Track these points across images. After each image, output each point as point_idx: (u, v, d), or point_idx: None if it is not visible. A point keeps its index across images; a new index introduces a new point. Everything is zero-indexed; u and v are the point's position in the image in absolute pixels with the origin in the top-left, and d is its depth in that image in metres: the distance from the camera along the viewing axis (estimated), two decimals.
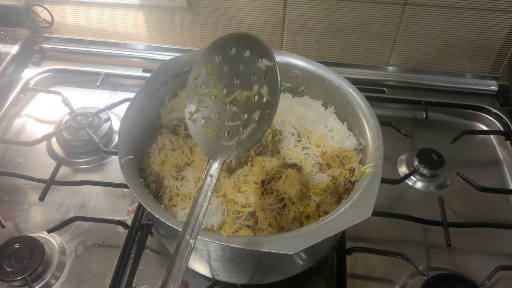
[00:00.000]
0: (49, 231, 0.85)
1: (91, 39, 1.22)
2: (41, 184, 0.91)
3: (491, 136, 1.09)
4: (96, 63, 1.21)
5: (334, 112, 0.86)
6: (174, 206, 0.73)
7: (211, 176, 0.57)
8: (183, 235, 0.54)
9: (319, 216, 0.72)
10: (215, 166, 0.59)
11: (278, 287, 0.77)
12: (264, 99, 0.60)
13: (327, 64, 0.87)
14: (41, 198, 0.89)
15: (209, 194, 0.56)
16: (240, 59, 0.63)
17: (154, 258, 0.85)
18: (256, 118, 0.60)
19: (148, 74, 0.85)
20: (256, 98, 0.61)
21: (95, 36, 1.21)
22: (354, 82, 0.84)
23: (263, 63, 0.61)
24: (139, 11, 1.15)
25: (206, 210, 0.55)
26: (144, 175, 0.76)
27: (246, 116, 0.62)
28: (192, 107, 0.64)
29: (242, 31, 0.62)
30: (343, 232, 0.86)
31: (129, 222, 0.88)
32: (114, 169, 0.99)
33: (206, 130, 0.62)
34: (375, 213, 0.66)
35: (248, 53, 0.62)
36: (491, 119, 1.12)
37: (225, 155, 0.60)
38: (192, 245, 0.53)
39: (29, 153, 1.02)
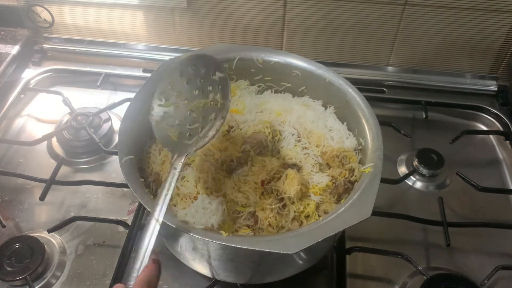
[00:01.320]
0: (49, 231, 0.85)
1: (91, 39, 1.22)
2: (42, 184, 0.91)
3: (491, 136, 1.09)
4: (97, 63, 1.21)
5: (334, 112, 0.86)
6: (174, 206, 0.73)
7: (175, 169, 0.67)
8: (150, 218, 0.62)
9: (319, 216, 0.72)
10: (178, 160, 0.68)
11: (278, 287, 0.77)
12: (219, 104, 0.71)
13: (327, 64, 0.87)
14: (42, 198, 0.89)
15: (173, 184, 0.65)
16: (198, 75, 0.74)
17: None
18: (212, 119, 0.70)
19: (148, 74, 0.85)
20: (212, 103, 0.71)
21: (95, 36, 1.21)
22: (354, 82, 0.84)
23: (217, 75, 0.72)
24: (139, 11, 1.15)
25: (171, 197, 0.64)
26: (144, 175, 0.76)
27: (203, 119, 0.71)
28: (157, 117, 0.73)
29: (198, 52, 0.77)
30: (343, 232, 0.86)
31: (129, 222, 0.88)
32: (114, 169, 1.00)
33: (170, 134, 0.72)
34: (375, 213, 0.66)
35: (204, 69, 0.73)
36: (490, 119, 1.12)
37: (186, 151, 0.69)
38: (159, 225, 0.61)
39: (30, 153, 1.02)
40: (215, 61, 0.73)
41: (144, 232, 0.61)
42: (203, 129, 0.70)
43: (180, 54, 0.89)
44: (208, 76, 0.72)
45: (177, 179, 0.66)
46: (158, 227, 0.61)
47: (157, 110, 0.73)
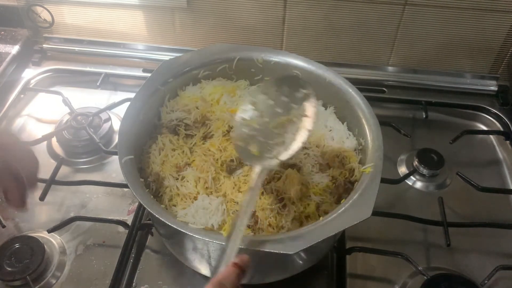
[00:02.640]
0: (49, 231, 0.85)
1: (91, 39, 1.22)
2: (42, 184, 0.91)
3: (491, 136, 1.09)
4: (96, 63, 1.21)
5: (334, 112, 0.86)
6: (174, 206, 0.73)
7: (258, 178, 0.67)
8: (235, 223, 0.61)
9: (319, 216, 0.72)
10: (262, 172, 0.67)
11: (278, 287, 0.77)
12: (302, 118, 0.71)
13: (327, 64, 0.87)
14: (42, 198, 0.89)
15: (256, 193, 0.66)
16: (281, 94, 0.74)
17: (154, 258, 0.85)
18: (295, 132, 0.71)
19: (148, 74, 0.85)
20: (294, 119, 0.72)
21: (95, 36, 1.21)
22: (354, 82, 0.84)
23: (301, 92, 0.73)
24: (139, 11, 1.15)
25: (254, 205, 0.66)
26: (144, 175, 0.76)
27: (286, 134, 0.71)
28: (239, 135, 0.73)
29: (285, 74, 0.77)
30: (343, 232, 0.86)
31: (129, 222, 0.88)
32: (114, 169, 0.99)
33: (252, 150, 0.71)
34: (375, 213, 0.66)
35: (287, 88, 0.74)
36: (490, 119, 1.12)
37: (269, 165, 0.69)
38: (243, 231, 0.60)
39: None
40: (300, 79, 0.75)
41: (228, 237, 0.59)
42: (285, 143, 0.70)
43: (180, 54, 0.89)
44: (292, 94, 0.74)
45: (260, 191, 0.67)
46: (242, 234, 0.60)
47: (239, 128, 0.73)
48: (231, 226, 0.61)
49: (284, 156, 0.69)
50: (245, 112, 0.74)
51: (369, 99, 0.81)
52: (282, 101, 0.74)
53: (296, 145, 0.69)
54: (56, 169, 0.93)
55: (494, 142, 1.08)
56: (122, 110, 0.85)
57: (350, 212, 0.65)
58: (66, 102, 1.08)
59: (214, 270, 0.57)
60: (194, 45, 1.19)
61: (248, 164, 0.73)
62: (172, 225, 0.64)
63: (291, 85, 0.74)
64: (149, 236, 0.88)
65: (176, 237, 0.73)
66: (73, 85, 1.18)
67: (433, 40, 1.11)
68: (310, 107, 0.72)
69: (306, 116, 0.71)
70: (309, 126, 0.70)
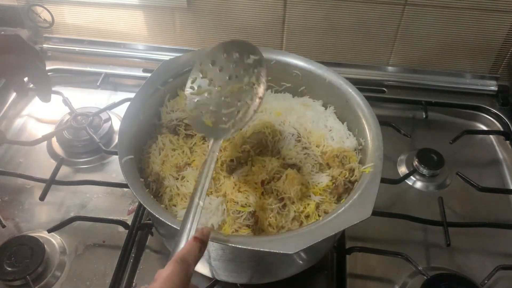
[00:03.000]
0: (49, 231, 0.85)
1: (91, 39, 1.22)
2: (42, 184, 0.91)
3: (491, 136, 1.09)
4: (96, 63, 1.21)
5: (334, 112, 0.86)
6: (174, 206, 0.73)
7: (213, 152, 0.67)
8: (192, 199, 0.61)
9: (319, 216, 0.72)
10: (216, 143, 0.68)
11: (278, 287, 0.77)
12: (255, 85, 0.71)
13: (327, 64, 0.87)
14: (42, 198, 0.89)
15: (212, 165, 0.65)
16: (230, 61, 0.73)
17: (154, 257, 0.85)
18: (249, 101, 0.70)
19: (148, 74, 0.85)
20: (247, 87, 0.71)
21: (95, 36, 1.21)
22: (354, 82, 0.84)
23: (251, 58, 0.72)
24: (139, 11, 1.15)
25: (211, 179, 0.64)
26: (144, 175, 0.76)
27: (239, 102, 0.71)
28: (190, 105, 0.73)
29: (232, 39, 0.74)
30: (343, 232, 0.86)
31: (129, 222, 0.88)
32: (114, 169, 1.00)
33: (205, 120, 0.71)
34: (375, 213, 0.66)
35: (237, 54, 0.73)
36: (491, 119, 1.12)
37: (224, 135, 0.69)
38: (202, 205, 0.61)
39: (30, 153, 1.02)
40: (248, 44, 0.72)
41: (186, 214, 0.60)
42: (239, 112, 0.70)
43: (180, 54, 0.89)
44: (242, 60, 0.72)
45: (215, 162, 0.65)
46: (200, 209, 0.60)
47: (190, 98, 0.73)
48: (188, 202, 0.61)
49: (238, 125, 0.69)
50: (195, 81, 0.74)
51: (369, 99, 0.82)
52: (231, 68, 0.73)
53: (249, 114, 0.69)
54: (56, 169, 0.93)
55: (494, 142, 1.08)
56: (122, 110, 0.85)
57: (350, 212, 0.65)
58: (66, 102, 1.08)
59: (173, 248, 0.57)
60: (194, 45, 1.19)
61: (202, 135, 0.73)
62: (172, 225, 0.64)
63: (240, 51, 0.73)
64: (149, 236, 0.88)
65: (176, 237, 0.73)
66: (73, 85, 1.18)
67: (433, 40, 1.11)
68: (261, 74, 0.71)
69: (258, 83, 0.71)
70: (261, 94, 0.70)
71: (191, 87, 0.74)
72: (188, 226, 0.59)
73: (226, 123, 0.70)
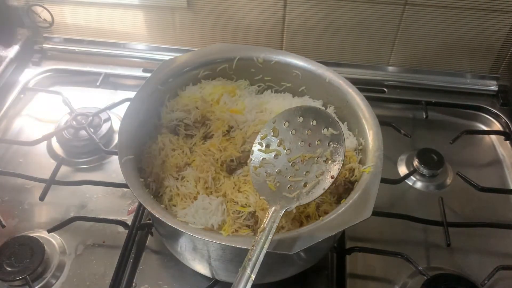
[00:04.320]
0: (49, 231, 0.85)
1: (91, 39, 1.22)
2: (41, 184, 0.91)
3: (491, 136, 1.09)
4: (96, 63, 1.21)
5: (334, 112, 0.86)
6: (174, 206, 0.73)
7: (273, 222, 0.63)
8: (244, 268, 0.59)
9: (319, 216, 0.72)
10: (277, 213, 0.64)
11: (278, 287, 0.77)
12: (329, 161, 0.68)
13: (327, 64, 0.87)
14: (41, 198, 0.89)
15: (270, 237, 0.61)
16: (306, 127, 0.71)
17: (154, 258, 0.85)
18: (319, 176, 0.67)
19: (148, 74, 0.85)
20: (319, 159, 0.69)
21: (95, 36, 1.21)
22: (354, 82, 0.84)
23: (329, 131, 0.69)
24: (139, 11, 1.15)
25: (265, 251, 0.60)
26: (144, 175, 0.76)
27: (307, 173, 0.69)
28: (256, 163, 0.72)
29: (311, 105, 0.73)
30: (343, 232, 0.86)
31: (129, 222, 0.88)
32: (114, 169, 0.99)
33: (268, 183, 0.69)
34: (375, 213, 0.66)
35: (314, 122, 0.71)
36: (491, 119, 1.12)
37: (287, 205, 0.66)
38: (253, 278, 0.58)
39: (29, 153, 1.02)
40: (330, 117, 0.70)
41: (236, 285, 0.58)
42: (307, 185, 0.67)
43: (180, 54, 0.89)
44: (318, 130, 0.70)
45: (274, 233, 0.61)
46: (251, 283, 0.58)
47: (256, 155, 0.71)
48: (239, 271, 0.59)
49: (304, 200, 0.66)
50: (265, 138, 0.72)
51: (369, 99, 0.81)
52: (306, 135, 0.70)
53: (318, 192, 0.66)
54: (56, 169, 0.93)
55: (494, 142, 1.08)
56: (122, 110, 0.85)
57: (350, 212, 0.65)
58: (66, 102, 1.08)
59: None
60: (194, 45, 1.19)
61: (264, 199, 0.69)
62: (172, 225, 0.64)
63: (318, 119, 0.70)
64: (149, 236, 0.88)
65: (176, 237, 0.73)
66: (73, 85, 1.18)
67: (433, 40, 1.11)
68: (338, 152, 0.68)
69: (333, 160, 0.68)
70: (334, 173, 0.66)
71: (260, 143, 0.72)
72: None
73: (291, 192, 0.67)
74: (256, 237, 0.61)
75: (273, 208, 0.65)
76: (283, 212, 0.65)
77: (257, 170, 0.71)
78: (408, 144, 1.05)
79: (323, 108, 0.71)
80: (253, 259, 0.59)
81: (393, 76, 1.18)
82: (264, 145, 0.72)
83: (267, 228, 0.62)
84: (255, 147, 0.72)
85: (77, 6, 1.16)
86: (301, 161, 0.70)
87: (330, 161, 0.68)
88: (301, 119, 0.71)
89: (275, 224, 0.62)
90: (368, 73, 1.18)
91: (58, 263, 0.83)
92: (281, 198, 0.67)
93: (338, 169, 0.67)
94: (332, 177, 0.66)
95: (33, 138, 1.01)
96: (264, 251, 0.59)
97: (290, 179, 0.69)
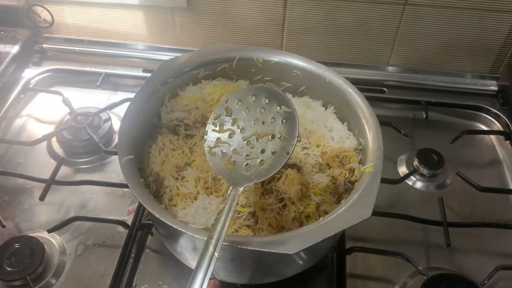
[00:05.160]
0: (49, 231, 0.85)
1: (91, 39, 1.22)
2: (42, 184, 0.91)
3: (491, 136, 1.09)
4: (96, 63, 1.21)
5: (334, 112, 0.86)
6: (174, 206, 0.73)
7: (232, 200, 0.63)
8: (206, 247, 0.58)
9: (319, 216, 0.72)
10: (235, 191, 0.64)
11: (278, 287, 0.77)
12: (281, 137, 0.68)
13: (327, 64, 0.87)
14: (42, 198, 0.89)
15: (230, 215, 0.61)
16: (259, 105, 0.71)
17: (154, 258, 0.85)
18: (272, 153, 0.68)
19: (148, 74, 0.85)
20: (272, 137, 0.69)
21: (95, 36, 1.21)
22: (354, 82, 0.84)
23: (282, 109, 0.69)
24: (139, 11, 1.15)
25: (227, 229, 0.60)
26: (144, 175, 0.76)
27: (263, 151, 0.69)
28: (211, 142, 0.72)
29: (262, 84, 0.72)
30: (343, 232, 0.86)
31: (129, 222, 0.88)
32: (114, 169, 0.99)
33: (225, 162, 0.69)
34: (375, 213, 0.66)
35: (267, 100, 0.71)
36: (491, 119, 1.12)
37: (245, 182, 0.66)
38: (216, 256, 0.58)
39: (30, 153, 1.02)
40: (281, 95, 0.70)
41: (199, 264, 0.57)
42: (263, 162, 0.68)
43: (180, 54, 0.89)
44: (271, 108, 0.70)
45: (233, 211, 0.62)
46: (214, 260, 0.57)
47: (211, 136, 0.72)
48: (202, 250, 0.58)
49: (262, 177, 0.66)
50: (218, 118, 0.72)
51: (369, 99, 0.81)
52: (259, 113, 0.71)
53: (275, 169, 0.66)
54: (56, 169, 0.93)
55: (494, 142, 1.08)
56: (122, 110, 0.85)
57: (350, 212, 0.65)
58: (66, 102, 1.08)
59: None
60: (194, 45, 1.19)
61: (222, 178, 0.69)
62: (172, 225, 0.64)
63: (270, 98, 0.70)
64: (149, 236, 0.88)
65: (176, 237, 0.73)
66: (73, 85, 1.18)
67: (433, 40, 1.11)
68: (293, 129, 0.68)
69: (287, 137, 0.68)
70: (290, 149, 0.67)
71: (213, 123, 0.72)
72: (200, 277, 0.56)
73: (248, 170, 0.67)
74: (217, 216, 0.61)
75: (231, 187, 0.65)
76: (241, 189, 0.65)
77: (212, 150, 0.71)
78: (408, 144, 1.05)
79: (275, 87, 0.71)
80: (215, 237, 0.58)
81: (393, 76, 1.18)
82: (218, 125, 0.72)
83: (226, 207, 0.62)
84: (209, 128, 0.72)
85: (77, 6, 1.17)
86: (256, 139, 0.70)
87: (284, 138, 0.68)
88: (253, 98, 0.71)
89: (235, 203, 0.63)
90: (368, 73, 1.18)
91: (58, 263, 0.83)
92: (239, 176, 0.67)
93: (293, 145, 0.67)
94: (287, 153, 0.67)
95: (33, 138, 1.02)
96: (226, 229, 0.59)
97: (245, 157, 0.69)
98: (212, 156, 0.70)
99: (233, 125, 0.72)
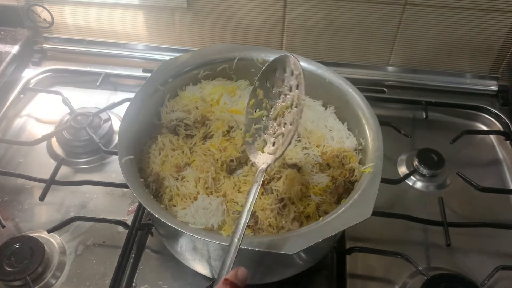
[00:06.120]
0: (49, 231, 0.85)
1: (91, 39, 1.22)
2: (41, 184, 0.91)
3: (491, 136, 1.09)
4: (96, 63, 1.21)
5: (334, 112, 0.86)
6: (174, 206, 0.73)
7: (258, 184, 0.66)
8: (234, 236, 0.60)
9: (319, 216, 0.72)
10: (261, 174, 0.67)
11: (278, 287, 0.77)
12: (296, 106, 0.69)
13: (327, 64, 0.87)
14: (41, 198, 0.89)
15: (253, 202, 0.64)
16: (279, 78, 0.71)
17: (154, 258, 0.85)
18: (290, 123, 0.69)
19: (148, 74, 0.85)
20: (290, 108, 0.70)
21: (95, 36, 1.21)
22: (354, 82, 0.84)
23: (294, 75, 0.69)
24: (139, 11, 1.15)
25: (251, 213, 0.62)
26: (144, 175, 0.76)
27: (284, 125, 0.70)
28: (248, 131, 0.73)
29: (282, 54, 0.71)
30: (343, 232, 0.86)
31: (129, 222, 0.88)
32: (114, 169, 0.99)
33: (258, 147, 0.72)
34: (375, 213, 0.66)
35: (285, 71, 0.70)
36: (491, 119, 1.12)
37: (270, 162, 0.68)
38: (239, 244, 0.59)
39: (29, 153, 1.02)
40: (289, 61, 0.70)
41: (227, 252, 0.59)
42: (282, 137, 0.69)
43: (180, 54, 0.89)
44: (288, 77, 0.70)
45: (258, 192, 0.64)
46: (237, 247, 0.59)
47: (249, 123, 0.73)
48: (235, 226, 0.60)
49: (279, 151, 0.68)
50: (253, 105, 0.73)
51: (369, 99, 0.82)
52: (282, 87, 0.71)
53: (289, 140, 0.67)
54: (56, 169, 0.93)
55: (494, 142, 1.08)
56: (122, 110, 0.85)
57: (350, 212, 0.65)
58: (66, 102, 1.08)
59: (217, 273, 0.56)
60: (194, 45, 1.19)
61: (257, 165, 0.71)
62: (172, 225, 0.64)
63: (286, 67, 0.70)
64: (149, 236, 0.88)
65: (176, 237, 0.73)
66: (73, 85, 1.18)
67: (433, 40, 1.11)
68: (301, 92, 0.68)
69: (299, 102, 0.69)
70: (300, 116, 0.68)
71: (249, 112, 0.73)
72: (228, 261, 0.58)
73: (274, 150, 0.69)
74: (247, 196, 0.63)
75: (259, 171, 0.67)
76: (264, 171, 0.67)
77: (247, 138, 0.73)
78: (408, 144, 1.05)
79: (288, 53, 0.71)
80: (241, 226, 0.60)
81: (393, 76, 1.18)
82: (253, 111, 0.73)
83: (252, 190, 0.64)
84: (246, 117, 0.73)
85: (77, 6, 1.16)
86: (281, 114, 0.71)
87: (298, 104, 0.69)
88: (277, 73, 0.72)
89: (259, 187, 0.65)
90: (368, 73, 1.18)
91: (58, 263, 0.83)
92: (266, 157, 0.69)
93: (301, 113, 0.68)
94: (297, 121, 0.68)
95: (33, 138, 1.02)
96: (249, 214, 0.62)
97: (272, 136, 0.71)
98: (250, 144, 0.72)
99: (265, 107, 0.73)
